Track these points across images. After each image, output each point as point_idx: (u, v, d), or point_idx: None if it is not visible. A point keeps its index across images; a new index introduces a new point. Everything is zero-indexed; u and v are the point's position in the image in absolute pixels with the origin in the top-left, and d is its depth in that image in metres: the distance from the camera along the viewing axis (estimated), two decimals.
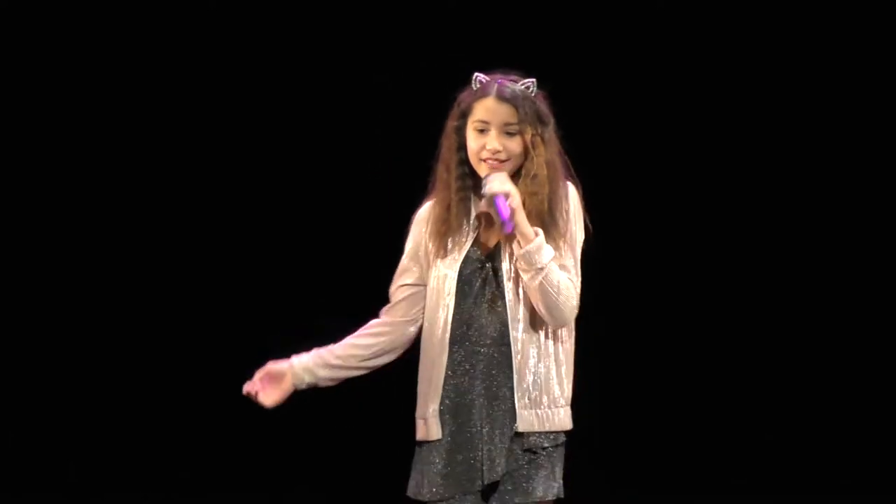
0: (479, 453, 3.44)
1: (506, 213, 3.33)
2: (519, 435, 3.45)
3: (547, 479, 3.48)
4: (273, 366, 3.60)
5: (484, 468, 3.43)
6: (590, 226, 3.55)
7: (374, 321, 3.61)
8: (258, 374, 3.61)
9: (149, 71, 8.67)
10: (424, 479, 3.49)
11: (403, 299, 3.56)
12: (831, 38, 8.16)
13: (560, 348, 3.49)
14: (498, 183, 3.38)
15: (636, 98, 7.99)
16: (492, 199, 3.38)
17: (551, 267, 3.42)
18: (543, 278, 3.40)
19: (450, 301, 3.46)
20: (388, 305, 3.58)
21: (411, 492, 3.55)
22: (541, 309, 3.44)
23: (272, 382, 3.60)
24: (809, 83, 8.14)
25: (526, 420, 3.44)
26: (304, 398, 4.53)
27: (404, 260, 3.57)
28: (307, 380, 3.59)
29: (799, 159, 8.17)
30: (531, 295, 3.44)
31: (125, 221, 8.24)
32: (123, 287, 8.09)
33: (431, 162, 3.58)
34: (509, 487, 3.46)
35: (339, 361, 3.58)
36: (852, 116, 8.12)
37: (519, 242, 3.42)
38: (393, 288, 3.57)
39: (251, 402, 3.75)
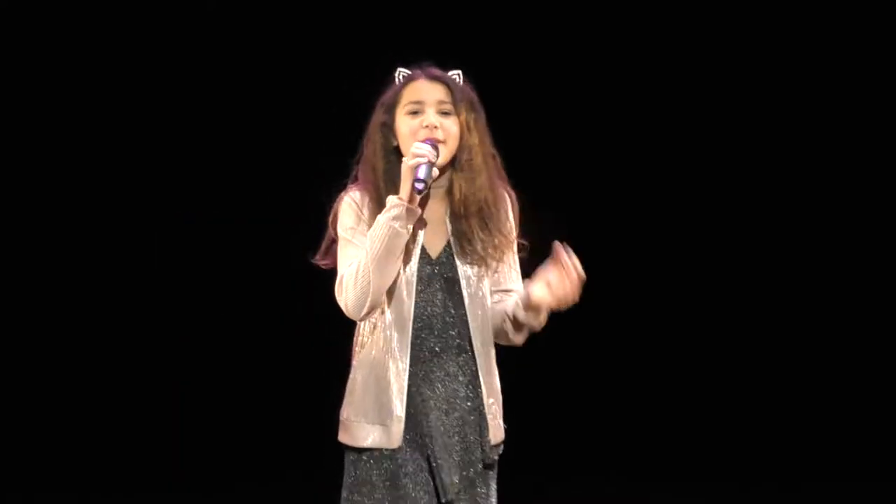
0: (433, 469, 3.26)
1: (423, 175, 3.13)
2: (472, 449, 3.28)
3: (491, 496, 3.35)
4: None
5: (438, 486, 3.25)
6: (524, 237, 3.42)
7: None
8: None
9: (137, 73, 8.68)
10: (360, 499, 3.26)
11: None
12: (821, 35, 8.12)
13: (495, 359, 3.36)
14: (426, 147, 3.18)
15: (608, 93, 7.93)
16: (416, 161, 3.16)
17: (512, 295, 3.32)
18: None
19: (412, 293, 3.26)
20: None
21: None
22: (513, 337, 3.34)
23: None
24: (797, 78, 8.11)
25: (493, 431, 3.30)
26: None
27: (350, 238, 3.27)
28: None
29: (782, 149, 8.12)
30: (520, 332, 3.32)
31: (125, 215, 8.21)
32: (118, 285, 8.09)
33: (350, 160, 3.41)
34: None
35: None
36: (840, 109, 8.07)
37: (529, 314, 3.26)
38: (345, 265, 3.26)
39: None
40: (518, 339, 3.33)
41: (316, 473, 4.12)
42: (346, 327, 3.37)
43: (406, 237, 3.14)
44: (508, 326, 3.30)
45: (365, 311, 3.17)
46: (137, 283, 8.11)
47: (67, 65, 8.40)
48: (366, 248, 3.13)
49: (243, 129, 8.30)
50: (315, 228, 3.52)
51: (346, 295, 3.16)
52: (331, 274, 3.30)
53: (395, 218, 3.12)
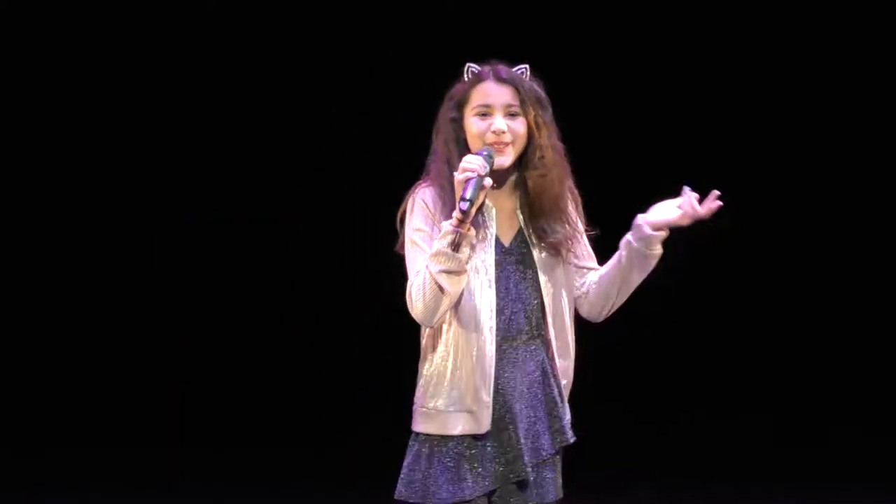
0: (507, 447, 3.34)
1: (468, 193, 3.19)
2: (544, 433, 3.37)
3: (558, 481, 3.44)
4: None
5: (511, 464, 3.33)
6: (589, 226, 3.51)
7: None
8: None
9: (138, 73, 8.77)
10: (433, 479, 3.34)
11: None
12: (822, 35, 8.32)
13: (572, 345, 3.46)
14: (478, 161, 3.23)
15: (632, 92, 8.12)
16: (465, 178, 3.21)
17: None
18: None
19: (494, 288, 3.34)
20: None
21: (410, 495, 3.39)
22: (616, 297, 3.41)
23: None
24: (796, 75, 8.33)
25: (567, 418, 3.42)
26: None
27: (419, 241, 3.34)
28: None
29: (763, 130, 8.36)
30: (636, 275, 3.38)
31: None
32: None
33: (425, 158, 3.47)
34: (527, 488, 3.37)
35: None
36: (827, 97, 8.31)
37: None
38: (413, 272, 3.32)
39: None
40: (620, 297, 3.42)
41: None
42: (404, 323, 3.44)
43: (464, 260, 3.22)
44: (606, 286, 3.41)
45: (435, 320, 3.26)
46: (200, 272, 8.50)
47: (74, 66, 8.49)
48: (429, 266, 3.21)
49: (249, 125, 8.48)
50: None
51: (415, 307, 3.26)
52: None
53: (450, 244, 3.21)
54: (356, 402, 7.94)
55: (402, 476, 3.40)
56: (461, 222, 3.19)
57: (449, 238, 3.20)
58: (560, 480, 3.46)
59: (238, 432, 8.27)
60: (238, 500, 7.49)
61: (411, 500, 3.38)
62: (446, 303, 3.22)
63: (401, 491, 3.41)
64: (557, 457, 3.44)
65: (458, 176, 3.22)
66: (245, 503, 7.51)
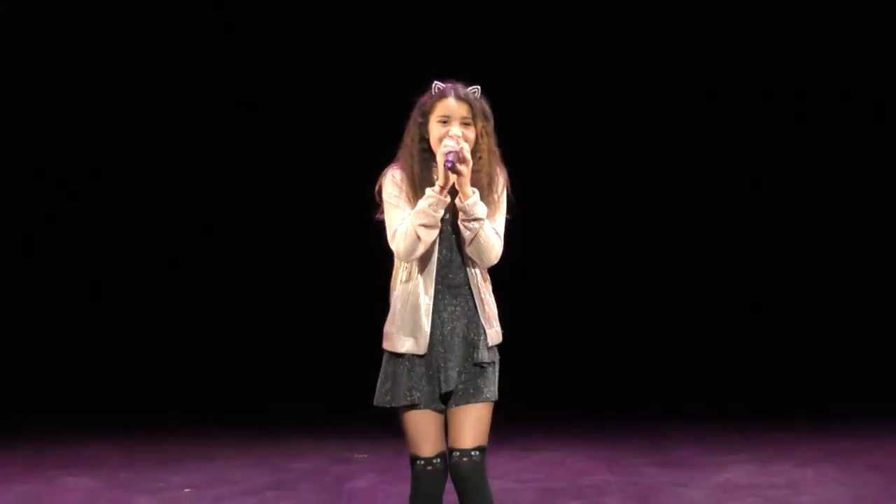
0: (440, 366, 4.43)
1: (451, 159, 4.28)
2: (473, 351, 4.44)
3: (492, 383, 4.50)
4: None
5: (441, 380, 4.43)
6: (514, 200, 4.55)
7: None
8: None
9: (141, 71, 9.73)
10: (394, 388, 4.44)
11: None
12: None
13: (489, 286, 4.56)
14: (456, 143, 4.34)
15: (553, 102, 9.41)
16: (447, 152, 4.31)
17: (484, 221, 4.39)
18: (478, 229, 4.37)
19: (436, 251, 4.44)
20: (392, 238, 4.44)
21: (379, 401, 4.48)
22: (472, 251, 4.42)
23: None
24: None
25: (492, 337, 4.47)
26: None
27: (395, 203, 4.41)
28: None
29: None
30: (467, 240, 4.38)
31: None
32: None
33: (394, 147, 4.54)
34: (468, 392, 4.44)
35: None
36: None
37: (460, 199, 4.36)
38: (397, 222, 4.39)
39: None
40: (469, 234, 4.40)
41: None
42: (384, 271, 4.54)
43: (438, 218, 4.35)
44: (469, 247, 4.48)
45: (412, 258, 4.38)
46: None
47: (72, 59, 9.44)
48: (412, 220, 4.34)
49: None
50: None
51: (399, 246, 4.38)
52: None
53: (430, 206, 4.35)
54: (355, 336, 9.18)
55: (376, 388, 4.50)
56: (442, 188, 4.30)
57: (430, 201, 4.30)
58: (494, 387, 4.50)
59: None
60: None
61: (380, 405, 4.47)
62: (421, 248, 4.32)
63: (376, 399, 4.50)
64: (488, 369, 4.47)
65: (442, 149, 4.31)
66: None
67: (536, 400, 8.34)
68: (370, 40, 9.81)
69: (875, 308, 10.43)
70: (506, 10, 9.69)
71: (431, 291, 4.46)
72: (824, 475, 7.14)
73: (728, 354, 10.40)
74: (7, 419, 9.27)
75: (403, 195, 4.45)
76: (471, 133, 4.43)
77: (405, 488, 5.67)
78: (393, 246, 4.43)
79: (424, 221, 4.36)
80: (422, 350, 4.43)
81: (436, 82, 4.49)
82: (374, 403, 4.54)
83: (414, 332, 4.44)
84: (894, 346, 10.26)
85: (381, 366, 4.52)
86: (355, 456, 7.93)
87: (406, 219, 4.40)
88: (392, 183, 4.48)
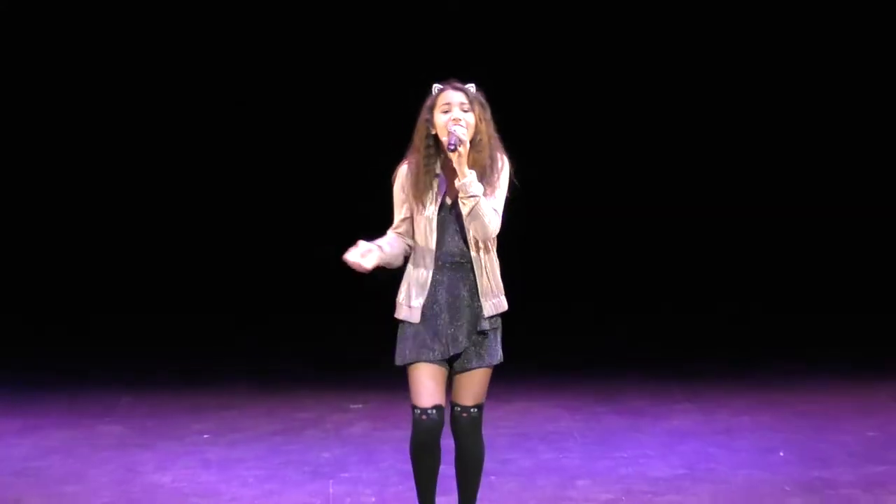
0: (446, 334, 4.79)
1: (454, 140, 4.63)
2: (475, 320, 4.79)
3: (495, 350, 4.90)
4: (364, 243, 4.69)
5: (449, 344, 4.78)
6: (517, 184, 4.86)
7: (390, 233, 4.83)
8: (356, 249, 4.66)
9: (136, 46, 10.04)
10: (402, 347, 4.85)
11: (405, 223, 4.84)
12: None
13: (493, 259, 4.88)
14: (462, 128, 4.71)
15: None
16: (450, 134, 4.66)
17: (481, 198, 4.68)
18: (475, 204, 4.66)
19: (434, 233, 4.78)
20: (394, 227, 4.85)
21: (398, 360, 4.85)
22: (472, 226, 4.69)
23: (365, 255, 4.66)
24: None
25: (487, 308, 4.81)
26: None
27: (397, 202, 4.83)
28: (381, 254, 4.70)
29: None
30: (466, 215, 4.66)
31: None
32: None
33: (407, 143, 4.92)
34: (471, 357, 4.83)
35: (390, 248, 4.79)
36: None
37: (458, 178, 4.67)
38: (396, 220, 4.83)
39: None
40: (468, 210, 4.72)
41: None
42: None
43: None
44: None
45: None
46: None
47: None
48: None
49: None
50: None
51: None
52: None
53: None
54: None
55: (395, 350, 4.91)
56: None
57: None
58: (495, 352, 4.86)
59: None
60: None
61: (397, 363, 4.88)
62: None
63: (395, 358, 4.87)
64: (490, 335, 4.82)
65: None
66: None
67: (509, 357, 8.52)
68: (370, 40, 9.92)
69: (800, 276, 11.11)
70: (506, 10, 9.81)
71: (433, 266, 4.81)
72: (759, 422, 7.63)
73: (676, 317, 10.98)
74: (47, 375, 9.57)
75: (403, 194, 4.85)
76: (470, 118, 4.75)
77: (394, 434, 6.75)
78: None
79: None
80: (416, 318, 4.81)
81: (435, 84, 4.87)
82: (395, 363, 4.92)
83: (416, 302, 4.82)
84: (816, 309, 10.89)
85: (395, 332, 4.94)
86: (351, 406, 8.29)
87: (405, 226, 4.85)
88: (398, 182, 4.90)
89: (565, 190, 10.78)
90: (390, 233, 4.91)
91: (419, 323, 4.82)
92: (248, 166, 10.68)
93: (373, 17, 9.78)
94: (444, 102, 4.78)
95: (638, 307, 11.35)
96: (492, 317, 4.86)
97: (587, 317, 11.14)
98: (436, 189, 4.83)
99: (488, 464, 5.97)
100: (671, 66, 10.59)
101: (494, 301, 4.86)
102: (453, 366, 4.87)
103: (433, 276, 4.82)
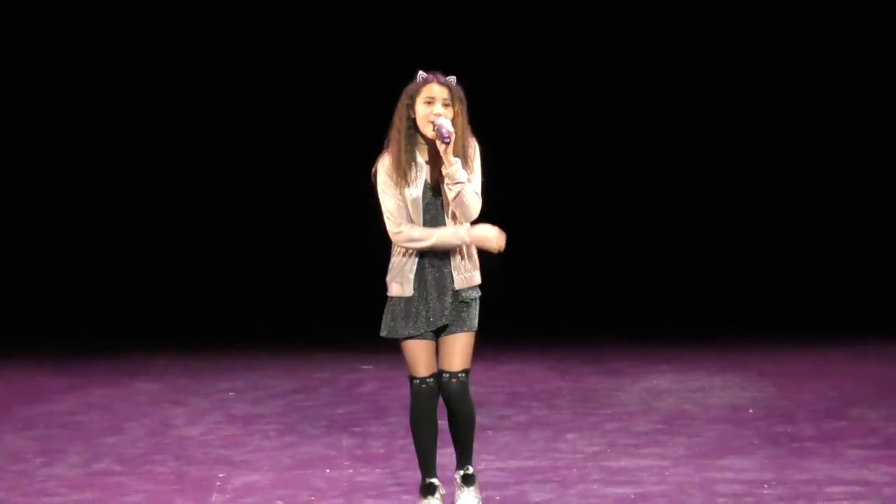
0: (430, 306, 5.04)
1: (446, 133, 4.82)
2: (455, 293, 5.04)
3: (473, 318, 5.13)
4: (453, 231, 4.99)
5: (432, 316, 5.05)
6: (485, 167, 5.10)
7: (405, 225, 4.95)
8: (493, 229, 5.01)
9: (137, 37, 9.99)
10: (395, 324, 5.06)
11: (404, 210, 4.95)
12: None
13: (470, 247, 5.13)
14: (447, 121, 4.92)
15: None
16: (440, 127, 4.83)
17: (465, 184, 4.89)
18: (461, 190, 4.88)
19: (420, 214, 4.98)
20: (397, 219, 4.95)
21: (385, 333, 5.06)
22: (457, 210, 4.92)
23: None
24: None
25: (458, 282, 5.06)
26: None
27: (385, 190, 4.94)
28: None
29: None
30: (452, 200, 4.86)
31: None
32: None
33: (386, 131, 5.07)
34: (454, 324, 5.05)
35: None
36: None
37: (445, 166, 4.86)
38: (396, 214, 4.93)
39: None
40: (454, 195, 4.92)
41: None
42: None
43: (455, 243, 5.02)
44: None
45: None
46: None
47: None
48: (430, 241, 4.97)
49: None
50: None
51: (401, 242, 5.06)
52: None
53: (451, 234, 5.01)
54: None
55: (382, 323, 5.13)
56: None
57: (450, 231, 4.95)
58: (475, 320, 5.06)
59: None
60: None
61: (384, 336, 5.11)
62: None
63: (381, 331, 5.11)
64: (471, 304, 5.03)
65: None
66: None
67: (504, 321, 8.34)
68: (370, 40, 9.95)
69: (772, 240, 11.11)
70: (506, 10, 9.83)
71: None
72: (730, 382, 7.95)
73: (655, 286, 11.09)
74: (89, 338, 9.94)
75: (392, 182, 4.99)
76: (449, 113, 4.96)
77: (401, 392, 6.93)
78: (394, 237, 5.03)
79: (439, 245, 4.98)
80: (408, 293, 5.04)
81: (420, 72, 5.05)
82: (381, 335, 5.14)
83: (403, 280, 5.06)
84: (786, 278, 11.06)
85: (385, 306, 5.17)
86: (362, 367, 8.58)
87: (404, 210, 4.98)
88: (383, 170, 5.01)
89: (564, 167, 10.73)
90: (407, 225, 5.05)
91: (410, 299, 5.06)
92: (248, 166, 10.65)
93: (373, 17, 9.81)
94: (427, 95, 4.96)
95: (614, 269, 11.48)
96: (470, 288, 5.09)
97: (567, 279, 11.30)
98: (416, 172, 5.01)
99: (485, 419, 6.64)
100: (671, 66, 10.51)
101: (466, 276, 5.08)
102: (439, 337, 5.09)
103: (420, 256, 5.05)
